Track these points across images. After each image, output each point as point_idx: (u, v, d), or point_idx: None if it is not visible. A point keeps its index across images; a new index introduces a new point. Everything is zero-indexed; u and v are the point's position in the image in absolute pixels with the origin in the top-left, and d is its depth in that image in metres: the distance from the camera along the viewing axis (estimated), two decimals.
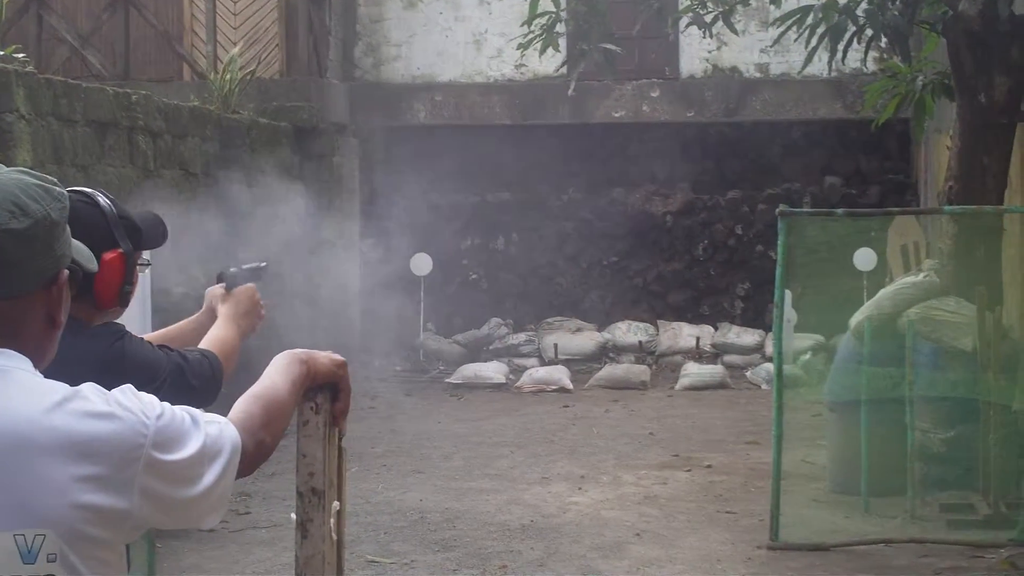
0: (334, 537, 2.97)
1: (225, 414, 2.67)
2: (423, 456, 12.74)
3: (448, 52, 18.98)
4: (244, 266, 4.53)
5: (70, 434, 2.34)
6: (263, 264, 4.68)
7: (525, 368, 17.50)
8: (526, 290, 19.28)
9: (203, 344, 4.16)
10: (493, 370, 17.21)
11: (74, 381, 2.45)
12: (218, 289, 4.41)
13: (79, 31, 16.82)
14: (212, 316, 4.36)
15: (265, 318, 4.51)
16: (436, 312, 18.72)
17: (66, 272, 2.55)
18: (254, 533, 9.88)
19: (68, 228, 2.57)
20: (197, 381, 3.92)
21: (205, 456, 2.49)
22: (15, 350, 2.44)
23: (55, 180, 2.57)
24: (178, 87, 16.06)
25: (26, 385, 2.39)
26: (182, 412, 2.49)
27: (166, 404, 2.48)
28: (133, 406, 2.42)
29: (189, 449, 2.46)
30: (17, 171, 2.52)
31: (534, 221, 19.29)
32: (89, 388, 2.42)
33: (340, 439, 3.06)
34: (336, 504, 2.99)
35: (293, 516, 2.93)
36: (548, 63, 15.47)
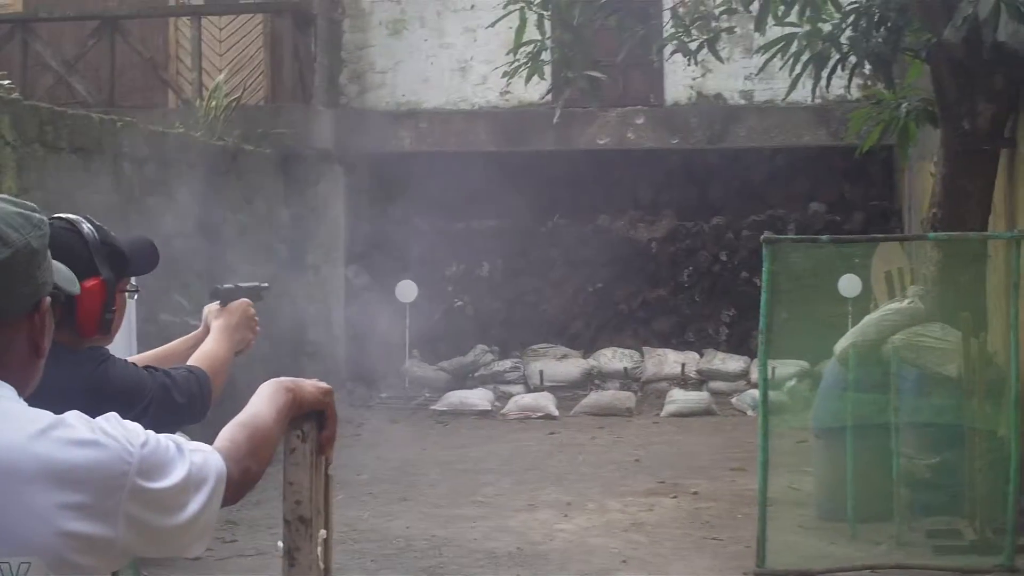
0: (321, 565, 2.96)
1: (212, 439, 2.67)
2: (409, 483, 12.72)
3: (433, 79, 19.00)
4: (242, 284, 4.54)
5: (54, 462, 2.33)
6: (265, 285, 4.69)
7: (511, 395, 17.49)
8: (511, 317, 19.27)
9: (193, 359, 4.16)
10: (478, 397, 17.20)
11: (59, 408, 2.45)
12: (214, 306, 4.42)
13: (64, 58, 16.82)
14: (208, 334, 4.37)
15: (260, 334, 4.51)
16: (421, 339, 18.70)
17: (48, 299, 2.54)
18: (240, 561, 9.85)
19: (49, 254, 2.57)
20: (183, 398, 3.92)
21: (190, 484, 2.48)
22: None
23: (35, 207, 2.56)
24: (163, 114, 16.06)
25: (10, 413, 2.39)
26: (167, 440, 2.49)
27: (151, 432, 2.48)
28: (118, 434, 2.41)
29: (174, 477, 2.45)
30: None
31: (519, 248, 19.29)
32: (73, 416, 2.42)
33: (327, 467, 3.05)
34: (323, 532, 2.98)
35: (280, 544, 2.92)
36: (533, 90, 15.50)
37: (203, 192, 14.20)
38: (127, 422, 2.47)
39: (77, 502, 2.33)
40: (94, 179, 11.97)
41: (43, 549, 2.31)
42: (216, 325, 4.33)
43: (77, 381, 3.68)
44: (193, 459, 2.51)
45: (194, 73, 16.74)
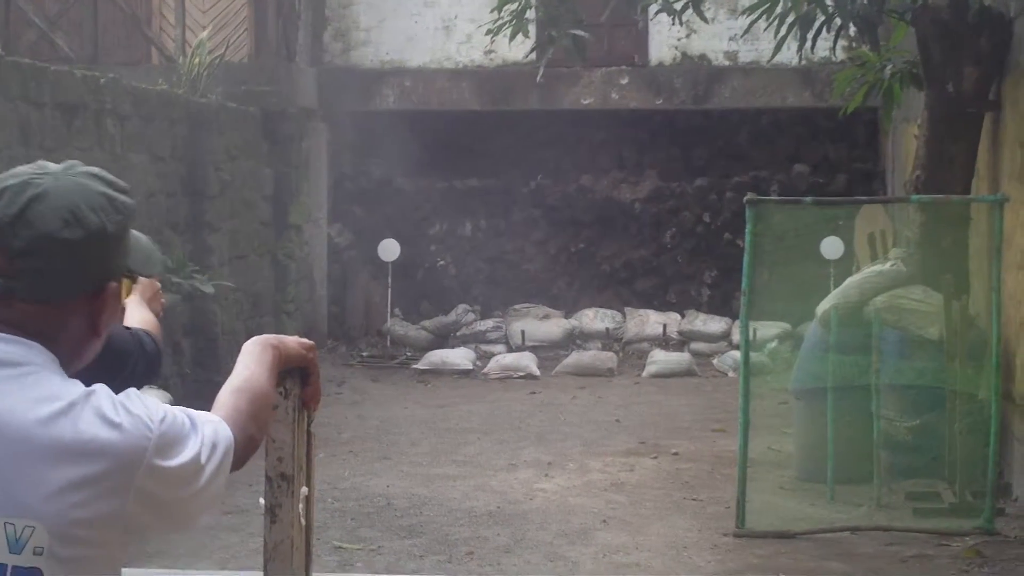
0: (303, 522, 2.97)
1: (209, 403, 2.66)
2: (390, 442, 12.73)
3: (417, 37, 18.92)
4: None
5: (73, 438, 2.34)
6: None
7: (492, 354, 17.49)
8: (494, 276, 19.27)
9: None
10: (460, 356, 17.21)
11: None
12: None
13: (47, 14, 16.73)
14: None
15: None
16: (403, 298, 18.69)
17: (114, 284, 2.53)
18: (221, 519, 9.82)
19: (129, 238, 2.58)
20: (152, 347, 3.87)
21: (202, 458, 2.48)
22: (49, 350, 2.44)
23: (126, 187, 2.56)
24: (146, 70, 16.00)
25: (40, 384, 2.39)
26: (182, 415, 2.49)
27: (167, 407, 2.48)
28: (140, 412, 2.42)
29: (188, 453, 2.46)
30: (88, 175, 2.53)
31: (502, 207, 19.28)
32: (101, 393, 2.42)
33: (309, 424, 3.05)
34: (305, 489, 2.98)
35: (262, 501, 2.93)
36: (517, 49, 15.46)
37: (186, 149, 14.16)
38: (146, 397, 2.47)
39: (91, 478, 2.34)
40: (77, 136, 11.93)
41: (50, 518, 2.32)
42: (134, 299, 4.19)
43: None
44: (205, 431, 2.50)
45: (177, 30, 16.67)
